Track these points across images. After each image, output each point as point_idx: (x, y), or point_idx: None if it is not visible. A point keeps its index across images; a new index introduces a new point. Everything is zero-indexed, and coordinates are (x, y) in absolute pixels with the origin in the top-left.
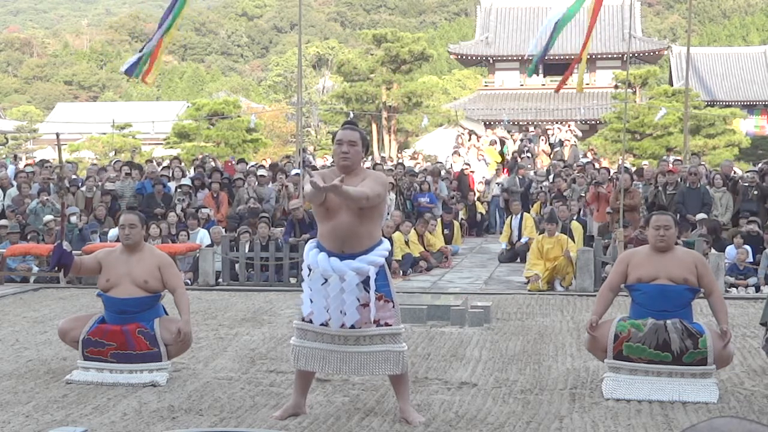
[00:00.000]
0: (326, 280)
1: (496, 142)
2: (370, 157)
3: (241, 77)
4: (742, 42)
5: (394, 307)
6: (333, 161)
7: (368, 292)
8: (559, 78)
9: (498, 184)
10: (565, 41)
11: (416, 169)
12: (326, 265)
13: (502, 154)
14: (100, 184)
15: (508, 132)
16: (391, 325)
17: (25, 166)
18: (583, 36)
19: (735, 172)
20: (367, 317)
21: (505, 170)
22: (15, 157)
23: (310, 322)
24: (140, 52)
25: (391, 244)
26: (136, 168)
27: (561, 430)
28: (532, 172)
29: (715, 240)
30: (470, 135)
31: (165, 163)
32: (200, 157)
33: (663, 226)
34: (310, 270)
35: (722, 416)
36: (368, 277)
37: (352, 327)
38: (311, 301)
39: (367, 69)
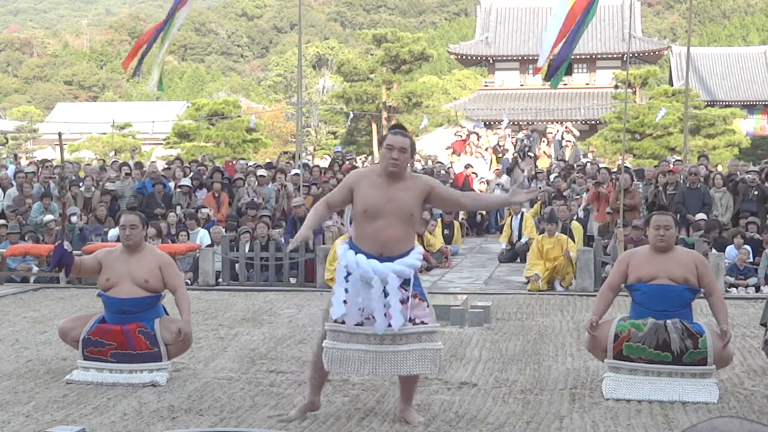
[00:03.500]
0: (367, 282)
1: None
2: (370, 157)
3: (241, 77)
4: (742, 42)
5: (428, 306)
6: (379, 163)
7: (407, 292)
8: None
9: (498, 184)
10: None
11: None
12: (367, 268)
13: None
14: (99, 183)
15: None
16: (426, 324)
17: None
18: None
19: (739, 173)
20: (405, 316)
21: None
22: (15, 156)
23: (343, 323)
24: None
25: None
26: (126, 165)
27: (561, 430)
28: (529, 172)
29: (714, 240)
30: (469, 134)
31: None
32: (200, 158)
33: (663, 226)
34: (347, 272)
35: (722, 416)
36: (407, 280)
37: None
38: (345, 303)
39: (367, 69)
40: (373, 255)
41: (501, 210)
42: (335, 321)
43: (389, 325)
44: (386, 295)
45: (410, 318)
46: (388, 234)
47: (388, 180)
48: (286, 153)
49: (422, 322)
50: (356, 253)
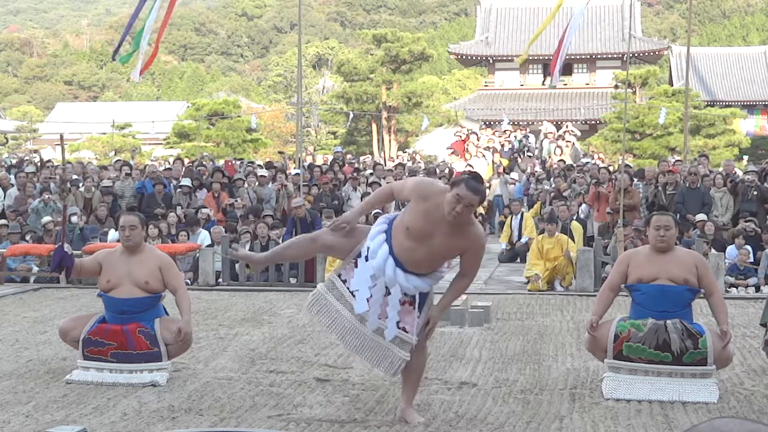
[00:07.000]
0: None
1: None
2: (369, 157)
3: (241, 77)
4: (742, 42)
5: (418, 317)
6: (445, 205)
7: (406, 297)
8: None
9: (507, 178)
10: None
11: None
12: (392, 273)
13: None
14: (99, 183)
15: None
16: (407, 332)
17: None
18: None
19: (735, 173)
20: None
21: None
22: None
23: (352, 295)
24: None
25: None
26: (127, 165)
27: (561, 430)
28: (531, 170)
29: (713, 240)
30: (469, 135)
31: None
32: (200, 157)
33: (663, 226)
34: (368, 254)
35: (723, 416)
36: (414, 296)
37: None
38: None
39: (367, 69)
40: (400, 264)
41: (501, 209)
42: (344, 282)
43: (377, 329)
44: (388, 295)
45: (396, 320)
46: (418, 257)
47: (444, 219)
48: (281, 153)
49: (404, 329)
50: (389, 253)
